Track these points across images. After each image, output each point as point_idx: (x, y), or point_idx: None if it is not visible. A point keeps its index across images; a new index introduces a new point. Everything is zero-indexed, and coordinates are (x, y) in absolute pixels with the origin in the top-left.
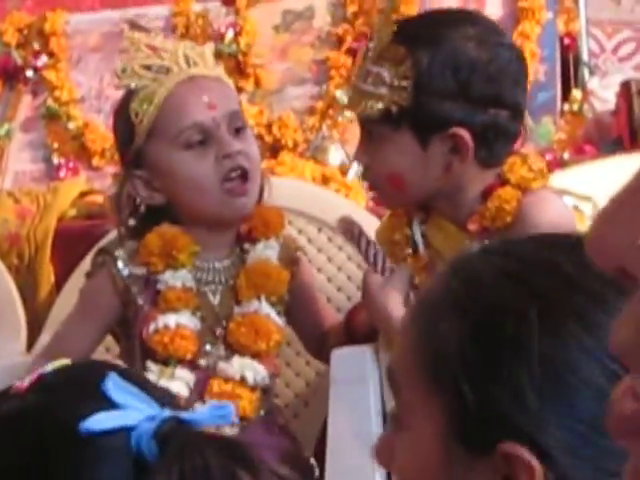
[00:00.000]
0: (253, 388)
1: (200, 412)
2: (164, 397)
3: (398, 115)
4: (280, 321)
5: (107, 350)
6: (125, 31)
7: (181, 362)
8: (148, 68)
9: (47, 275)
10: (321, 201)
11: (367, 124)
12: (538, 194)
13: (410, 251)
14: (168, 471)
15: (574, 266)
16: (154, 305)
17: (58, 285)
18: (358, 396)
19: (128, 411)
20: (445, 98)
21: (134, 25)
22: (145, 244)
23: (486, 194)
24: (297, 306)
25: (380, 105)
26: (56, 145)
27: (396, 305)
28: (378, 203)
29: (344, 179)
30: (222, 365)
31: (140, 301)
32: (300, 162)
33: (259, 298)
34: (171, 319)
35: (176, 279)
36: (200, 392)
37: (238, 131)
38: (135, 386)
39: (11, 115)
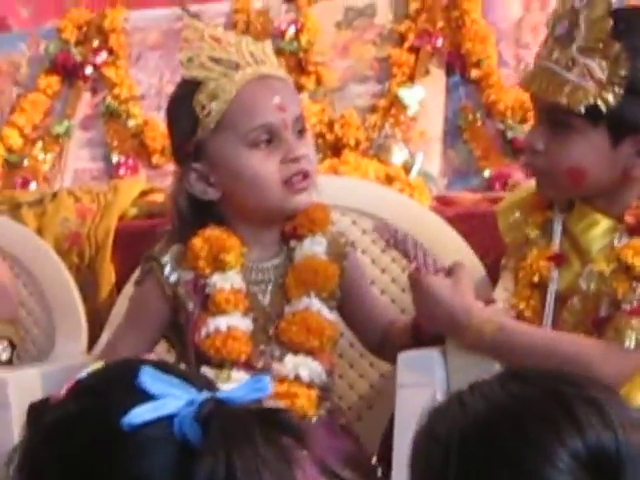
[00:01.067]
0: (310, 386)
1: (237, 389)
2: (201, 381)
3: (601, 112)
4: (333, 317)
5: (168, 351)
6: (185, 20)
7: (236, 364)
8: (216, 61)
9: (108, 275)
10: (385, 201)
11: (560, 113)
12: None
13: (537, 236)
14: (214, 453)
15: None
16: (204, 309)
17: (119, 285)
18: (425, 401)
19: (166, 400)
20: None
21: (191, 13)
22: (191, 248)
23: None
24: (350, 301)
25: (589, 100)
26: (116, 143)
27: (476, 302)
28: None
29: (407, 178)
30: (276, 365)
31: (190, 306)
32: (363, 161)
33: (309, 295)
34: (222, 322)
35: (225, 281)
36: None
37: (301, 133)
38: (170, 375)
39: (70, 113)
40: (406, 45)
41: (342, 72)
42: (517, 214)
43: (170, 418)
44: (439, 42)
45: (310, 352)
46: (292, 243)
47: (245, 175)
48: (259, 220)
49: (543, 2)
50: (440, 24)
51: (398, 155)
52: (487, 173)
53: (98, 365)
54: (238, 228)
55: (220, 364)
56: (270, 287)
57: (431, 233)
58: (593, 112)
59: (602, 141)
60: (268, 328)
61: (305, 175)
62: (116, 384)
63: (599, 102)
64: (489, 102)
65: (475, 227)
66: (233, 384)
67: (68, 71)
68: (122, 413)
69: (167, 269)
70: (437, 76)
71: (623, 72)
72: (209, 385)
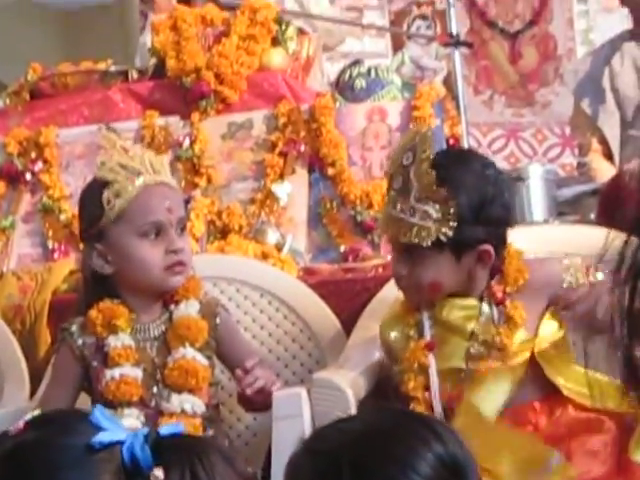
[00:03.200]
0: (193, 416)
1: (163, 429)
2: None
3: (442, 242)
4: (205, 361)
5: None
6: (102, 132)
7: (132, 404)
8: (123, 167)
9: (44, 338)
10: (262, 273)
11: (412, 248)
12: (534, 259)
13: (414, 335)
14: (180, 471)
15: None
16: (105, 364)
17: (53, 345)
18: (295, 429)
19: (116, 430)
20: (476, 225)
21: (109, 128)
22: (89, 318)
23: (493, 274)
24: (224, 350)
25: (432, 236)
26: (51, 233)
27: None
28: (314, 282)
29: (279, 255)
30: (165, 404)
31: (94, 363)
32: (244, 242)
33: (184, 345)
34: (116, 372)
35: (117, 341)
36: (152, 426)
37: (182, 231)
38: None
39: (14, 210)
40: (277, 151)
41: (227, 173)
42: (401, 318)
43: (113, 445)
44: (302, 148)
45: (190, 390)
46: (171, 307)
47: (135, 259)
48: (144, 293)
49: (382, 115)
50: (302, 134)
51: (272, 237)
52: (342, 248)
53: (37, 412)
54: (128, 298)
55: (120, 405)
56: (156, 343)
57: (298, 297)
58: (437, 243)
59: (448, 260)
60: (156, 375)
61: (181, 264)
62: (73, 417)
63: (440, 236)
64: (342, 193)
65: (332, 291)
66: (127, 419)
67: (11, 177)
68: (77, 439)
69: (75, 336)
70: (301, 174)
71: (452, 210)
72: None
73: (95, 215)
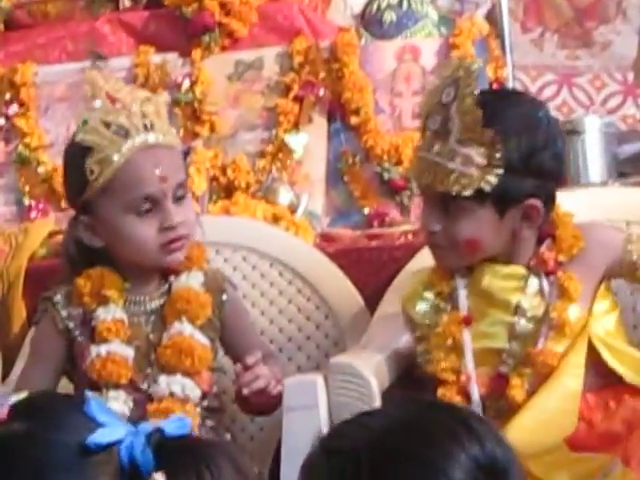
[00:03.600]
0: (184, 401)
1: (167, 424)
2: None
3: (485, 193)
4: (205, 341)
5: None
6: (87, 72)
7: (120, 387)
8: (107, 125)
9: (19, 311)
10: (272, 238)
11: (449, 199)
12: (589, 224)
13: (446, 307)
14: (186, 475)
15: None
16: (91, 340)
17: (29, 320)
18: (310, 422)
19: (114, 427)
20: (525, 175)
21: (99, 58)
22: (76, 286)
23: (542, 239)
24: (229, 334)
25: (474, 184)
26: (27, 188)
27: None
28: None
29: (293, 218)
30: (153, 387)
31: (80, 338)
32: (252, 202)
33: (181, 321)
34: (102, 348)
35: (107, 313)
36: (142, 412)
37: (181, 199)
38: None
39: None
40: (291, 95)
41: (233, 120)
42: (424, 294)
43: (117, 445)
44: (321, 92)
45: (185, 373)
46: (171, 278)
47: (124, 237)
48: (139, 266)
49: (415, 54)
50: (322, 75)
51: (285, 196)
52: (366, 211)
53: (23, 395)
54: (123, 268)
55: (106, 387)
56: (152, 318)
57: (314, 267)
58: (478, 193)
59: (490, 214)
60: (150, 354)
61: (180, 239)
62: (66, 407)
63: (483, 185)
64: (367, 147)
65: (354, 261)
66: (112, 403)
67: None
68: (71, 436)
69: (59, 307)
70: (320, 123)
71: (499, 154)
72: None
73: (78, 185)
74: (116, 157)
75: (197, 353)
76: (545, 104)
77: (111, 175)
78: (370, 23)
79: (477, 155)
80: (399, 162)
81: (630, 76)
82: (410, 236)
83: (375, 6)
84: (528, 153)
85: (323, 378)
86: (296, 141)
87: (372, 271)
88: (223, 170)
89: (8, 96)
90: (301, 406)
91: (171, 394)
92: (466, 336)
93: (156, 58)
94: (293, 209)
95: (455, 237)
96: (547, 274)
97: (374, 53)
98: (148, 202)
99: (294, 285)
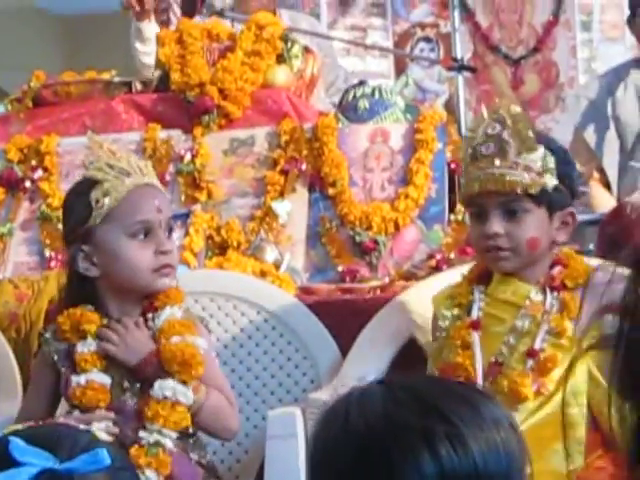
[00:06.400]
0: (175, 405)
1: (77, 461)
2: (67, 449)
3: (541, 196)
4: (204, 345)
5: None
6: (89, 136)
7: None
8: (111, 167)
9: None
10: (260, 290)
11: (513, 202)
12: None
13: (461, 314)
14: None
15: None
16: (74, 370)
17: None
18: (289, 449)
19: (22, 468)
20: (565, 188)
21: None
22: (57, 324)
23: (554, 264)
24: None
25: (538, 185)
26: (48, 242)
27: None
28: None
29: (277, 273)
30: (151, 392)
31: (63, 369)
32: (243, 259)
33: (181, 334)
34: (82, 378)
35: (84, 347)
36: (137, 421)
37: (169, 232)
38: (41, 444)
39: (12, 217)
40: (278, 168)
41: (227, 188)
42: (446, 301)
43: None
44: (304, 166)
45: (180, 379)
46: (148, 315)
47: (122, 259)
48: (127, 295)
49: (385, 137)
50: (304, 152)
51: (270, 254)
52: (340, 269)
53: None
54: (108, 301)
55: (88, 411)
56: None
57: (295, 315)
58: (536, 196)
59: (544, 215)
60: (124, 382)
61: (170, 266)
62: None
63: (547, 181)
64: (342, 214)
65: (329, 311)
66: (97, 431)
67: (11, 184)
68: None
69: (49, 342)
70: (302, 193)
71: (551, 165)
72: (72, 451)
73: (83, 215)
74: (120, 188)
75: (196, 360)
76: None
77: (115, 203)
78: (347, 109)
79: (537, 160)
80: (369, 227)
81: None
82: (378, 291)
83: (351, 95)
84: (567, 172)
85: (301, 411)
86: (281, 207)
87: (345, 320)
88: (218, 230)
89: (34, 162)
90: (282, 435)
91: (165, 397)
92: (475, 337)
93: (162, 134)
94: (278, 265)
95: (518, 237)
96: (552, 289)
97: (350, 135)
98: (145, 228)
99: (277, 330)
